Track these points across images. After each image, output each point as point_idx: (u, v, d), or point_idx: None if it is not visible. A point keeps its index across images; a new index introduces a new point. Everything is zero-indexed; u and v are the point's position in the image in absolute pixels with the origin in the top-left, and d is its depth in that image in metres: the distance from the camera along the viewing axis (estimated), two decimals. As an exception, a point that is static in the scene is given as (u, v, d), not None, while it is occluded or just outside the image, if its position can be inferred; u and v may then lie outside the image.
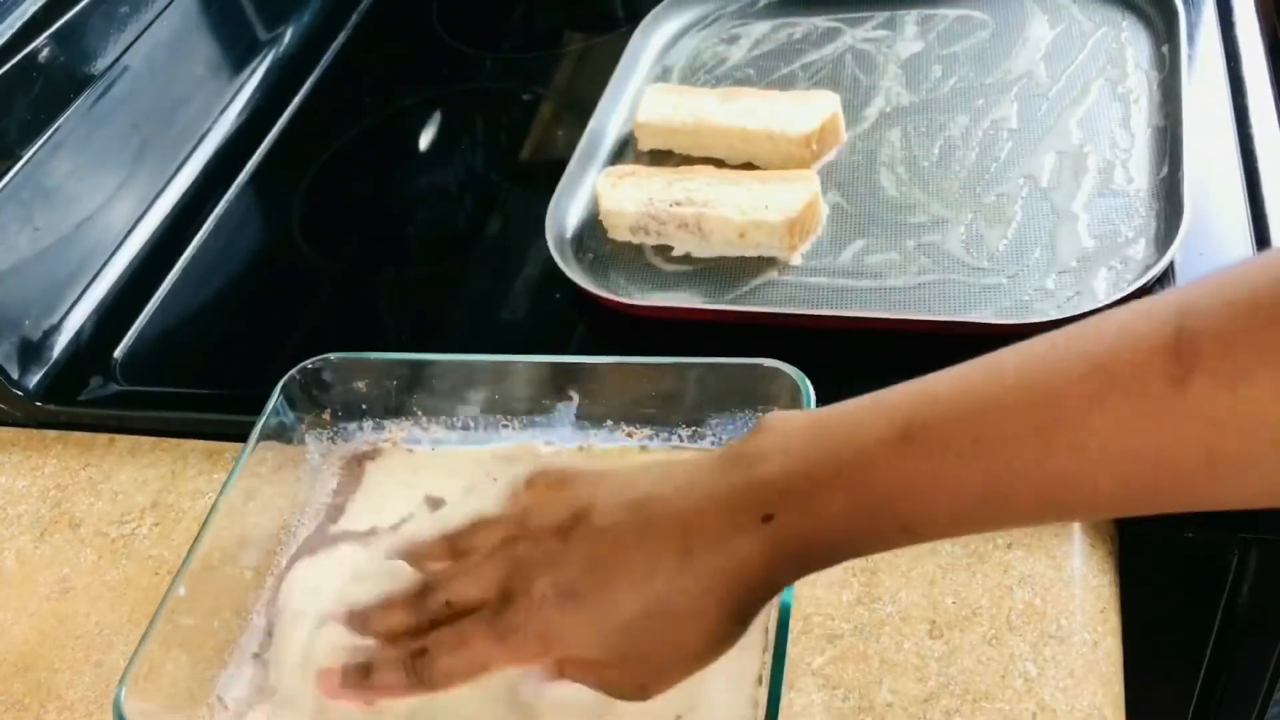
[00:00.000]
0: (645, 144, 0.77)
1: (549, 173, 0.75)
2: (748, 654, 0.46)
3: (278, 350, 0.71)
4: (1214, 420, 0.29)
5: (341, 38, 1.01)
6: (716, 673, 0.40)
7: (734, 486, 0.37)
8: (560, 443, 0.58)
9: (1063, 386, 0.31)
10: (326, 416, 0.60)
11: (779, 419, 0.38)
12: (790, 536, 0.36)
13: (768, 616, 0.47)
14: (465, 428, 0.60)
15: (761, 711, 0.41)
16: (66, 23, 0.75)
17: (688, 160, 0.75)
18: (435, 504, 0.57)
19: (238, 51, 0.93)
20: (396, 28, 1.03)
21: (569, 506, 0.40)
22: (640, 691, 0.39)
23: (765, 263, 0.67)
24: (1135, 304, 0.32)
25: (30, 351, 0.73)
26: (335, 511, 0.58)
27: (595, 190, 0.72)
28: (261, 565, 0.55)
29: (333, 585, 0.54)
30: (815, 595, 0.53)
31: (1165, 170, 0.66)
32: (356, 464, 0.60)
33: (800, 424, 0.37)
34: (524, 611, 0.39)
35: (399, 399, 0.60)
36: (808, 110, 0.73)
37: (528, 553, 0.40)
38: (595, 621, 0.38)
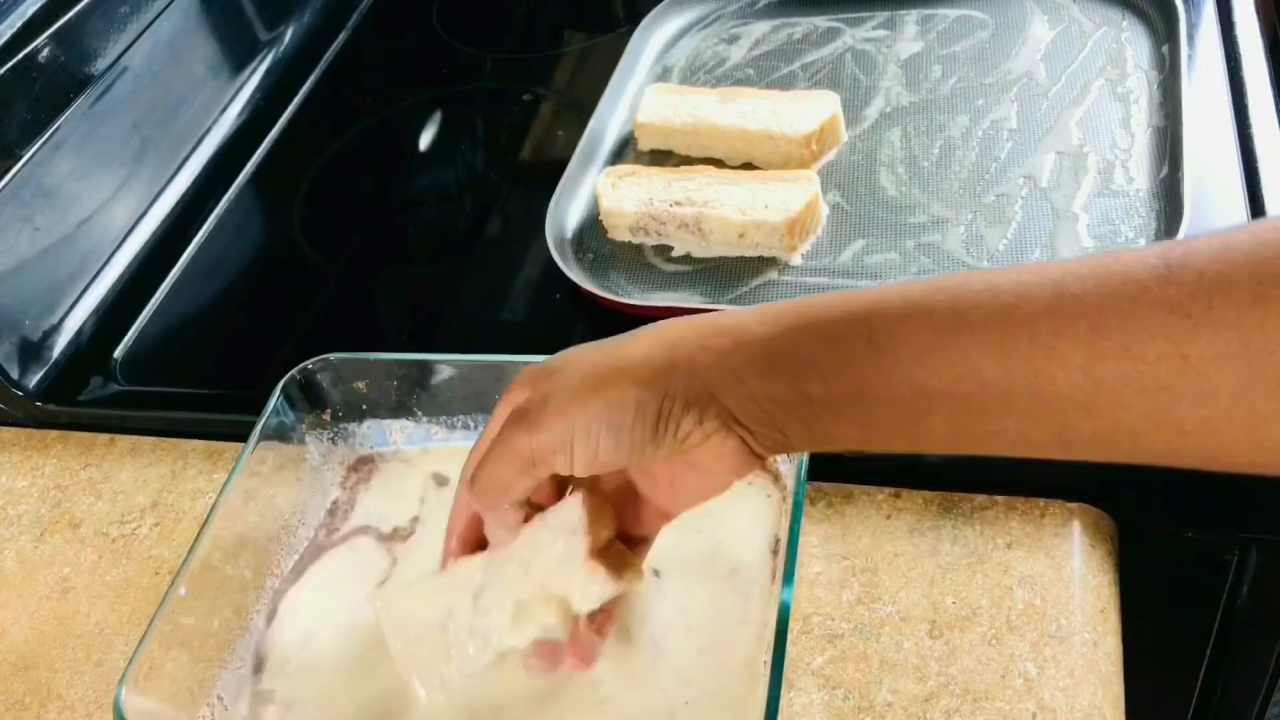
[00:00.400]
0: (645, 144, 0.77)
1: (549, 173, 0.75)
2: (748, 645, 0.47)
3: (278, 350, 0.71)
4: (1189, 312, 0.29)
5: (341, 38, 1.01)
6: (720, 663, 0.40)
7: (715, 325, 0.38)
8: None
9: (1071, 275, 0.32)
10: (327, 416, 0.60)
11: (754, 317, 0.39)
12: (754, 344, 0.36)
13: (768, 615, 0.47)
14: (465, 428, 0.60)
15: (761, 712, 0.41)
16: (66, 23, 0.75)
17: (688, 160, 0.75)
18: (440, 481, 0.58)
19: (238, 51, 0.93)
20: (396, 28, 1.03)
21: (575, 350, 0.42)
22: (533, 429, 0.39)
23: (765, 263, 0.67)
24: (1103, 257, 0.33)
25: (30, 351, 0.73)
26: (345, 507, 0.58)
27: (595, 190, 0.72)
28: (261, 565, 0.55)
29: (341, 586, 0.54)
30: (815, 595, 0.53)
31: (1165, 170, 0.66)
32: (362, 463, 0.60)
33: (777, 322, 0.38)
34: (512, 425, 0.40)
35: (399, 399, 0.60)
36: (808, 110, 0.73)
37: (515, 393, 0.41)
38: (569, 394, 0.38)
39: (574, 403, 0.38)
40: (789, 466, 0.53)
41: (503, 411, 0.41)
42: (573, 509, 0.42)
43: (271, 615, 0.54)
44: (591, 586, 0.42)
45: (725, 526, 0.52)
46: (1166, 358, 0.30)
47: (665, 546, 0.52)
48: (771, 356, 0.36)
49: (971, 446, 0.35)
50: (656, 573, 0.51)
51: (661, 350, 0.38)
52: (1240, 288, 0.29)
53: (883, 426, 0.36)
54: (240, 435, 0.57)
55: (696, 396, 0.36)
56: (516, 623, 0.43)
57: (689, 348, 0.37)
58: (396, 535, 0.56)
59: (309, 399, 0.59)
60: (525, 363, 0.57)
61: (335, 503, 0.58)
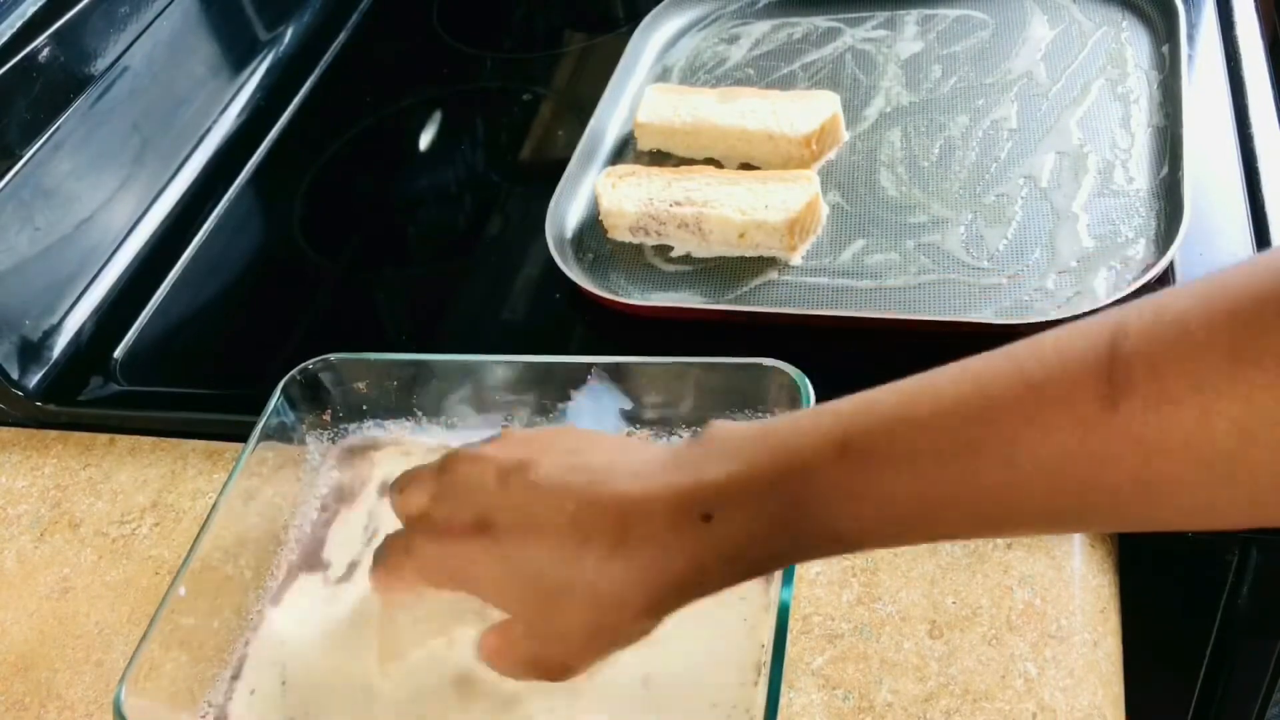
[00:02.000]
0: (645, 144, 0.77)
1: (549, 173, 0.75)
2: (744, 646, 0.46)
3: (278, 350, 0.71)
4: (1143, 441, 0.29)
5: (341, 38, 1.01)
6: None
7: (678, 486, 0.37)
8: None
9: (996, 403, 0.32)
10: (327, 416, 0.60)
11: (726, 427, 0.38)
12: (726, 538, 0.36)
13: (769, 615, 0.47)
14: (465, 428, 0.60)
15: (761, 712, 0.41)
16: (66, 23, 0.75)
17: (687, 160, 0.75)
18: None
19: (238, 51, 0.93)
20: (396, 28, 1.03)
21: (515, 453, 0.41)
22: (561, 670, 0.39)
23: (765, 263, 0.67)
24: (1074, 324, 0.32)
25: (30, 351, 0.73)
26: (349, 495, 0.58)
27: (595, 190, 0.72)
28: (261, 565, 0.55)
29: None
30: (815, 595, 0.53)
31: (1165, 170, 0.66)
32: (360, 456, 0.60)
33: (746, 432, 0.38)
34: (436, 537, 0.40)
35: (399, 399, 0.60)
36: (808, 110, 0.73)
37: (460, 479, 0.41)
38: (506, 567, 0.39)
39: (586, 655, 0.39)
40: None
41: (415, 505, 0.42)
42: None
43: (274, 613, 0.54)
44: None
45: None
46: (1125, 484, 0.30)
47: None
48: (727, 555, 0.36)
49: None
50: None
51: (638, 560, 0.37)
52: (1187, 407, 0.28)
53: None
54: (240, 435, 0.57)
55: (693, 589, 0.38)
56: None
57: (651, 550, 0.37)
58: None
59: (309, 399, 0.59)
60: (525, 363, 0.58)
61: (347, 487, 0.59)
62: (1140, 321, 0.30)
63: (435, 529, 0.41)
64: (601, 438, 0.42)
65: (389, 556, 0.43)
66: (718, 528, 0.36)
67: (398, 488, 0.44)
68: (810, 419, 0.36)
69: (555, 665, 0.39)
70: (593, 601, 0.37)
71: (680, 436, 0.57)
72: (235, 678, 0.51)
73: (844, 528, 0.35)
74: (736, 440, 0.37)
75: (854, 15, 0.85)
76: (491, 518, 0.39)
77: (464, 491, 0.41)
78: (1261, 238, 0.62)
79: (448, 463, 0.42)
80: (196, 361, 0.75)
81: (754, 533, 0.36)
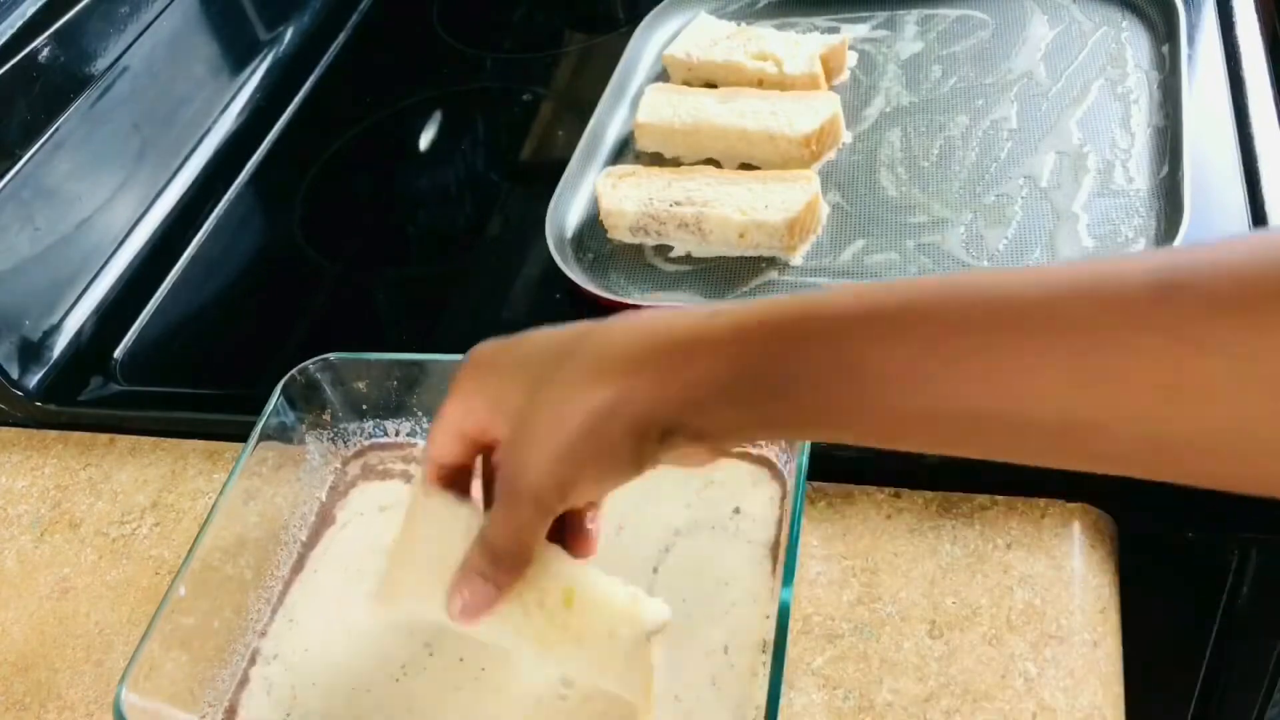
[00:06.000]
0: (645, 144, 0.77)
1: (549, 173, 0.75)
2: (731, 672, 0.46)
3: (278, 350, 0.71)
4: (1182, 336, 0.28)
5: (341, 38, 1.01)
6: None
7: (661, 328, 0.37)
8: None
9: (1057, 293, 0.31)
10: (327, 416, 0.60)
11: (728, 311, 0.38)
12: (707, 375, 0.35)
13: (768, 618, 0.47)
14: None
15: (762, 712, 0.41)
16: (66, 23, 0.75)
17: (688, 160, 0.75)
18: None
19: (238, 51, 0.93)
20: (396, 28, 1.03)
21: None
22: (522, 471, 0.39)
23: (765, 263, 0.67)
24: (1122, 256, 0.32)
25: (30, 351, 0.73)
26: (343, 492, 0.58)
27: (595, 190, 0.72)
28: (261, 565, 0.55)
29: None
30: (815, 595, 0.53)
31: (1165, 170, 0.66)
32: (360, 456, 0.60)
33: (753, 302, 0.37)
34: (464, 364, 0.43)
35: (399, 399, 0.60)
36: (808, 110, 0.73)
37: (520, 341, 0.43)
38: (517, 389, 0.40)
39: (555, 461, 0.38)
40: (789, 466, 0.53)
41: (459, 405, 0.43)
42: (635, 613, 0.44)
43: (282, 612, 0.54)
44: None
45: (726, 527, 0.52)
46: (1159, 383, 0.29)
47: (664, 546, 0.52)
48: (736, 382, 0.35)
49: (950, 452, 0.35)
50: (655, 570, 0.51)
51: (626, 382, 0.37)
52: (1238, 313, 0.27)
53: (853, 437, 0.36)
54: (240, 435, 0.57)
55: (668, 427, 0.37)
56: None
57: (652, 376, 0.36)
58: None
59: (309, 399, 0.59)
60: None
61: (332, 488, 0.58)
62: (1193, 250, 0.30)
63: (509, 490, 0.41)
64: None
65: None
66: (700, 361, 0.36)
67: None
68: (823, 295, 0.35)
69: (525, 483, 0.39)
70: (559, 418, 0.37)
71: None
72: (238, 679, 0.51)
73: (844, 403, 0.34)
74: (741, 304, 0.37)
75: (854, 15, 0.85)
76: (526, 359, 0.41)
77: (474, 383, 0.42)
78: (1261, 238, 0.62)
79: (458, 388, 0.43)
80: (196, 361, 0.75)
81: (739, 372, 0.35)
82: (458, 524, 0.43)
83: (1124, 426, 0.30)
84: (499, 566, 0.41)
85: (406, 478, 0.59)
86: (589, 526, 0.45)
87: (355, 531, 0.57)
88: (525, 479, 0.39)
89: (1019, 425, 0.31)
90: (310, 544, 0.57)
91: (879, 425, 0.34)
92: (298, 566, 0.56)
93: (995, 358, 0.31)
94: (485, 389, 0.41)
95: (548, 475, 0.38)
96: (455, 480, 0.44)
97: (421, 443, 0.60)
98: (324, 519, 0.58)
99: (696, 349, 0.36)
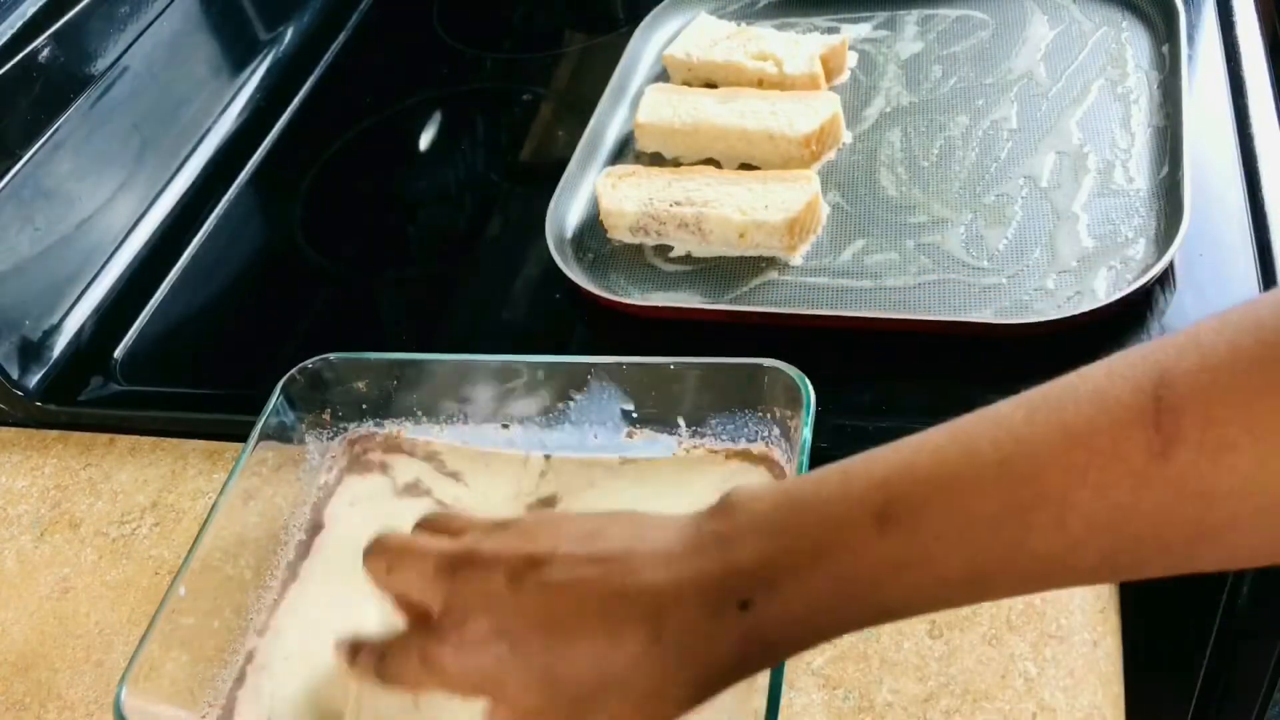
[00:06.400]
0: (645, 144, 0.77)
1: (549, 173, 0.75)
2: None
3: (278, 350, 0.71)
4: (1198, 493, 0.28)
5: (341, 38, 1.01)
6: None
7: (708, 570, 0.35)
8: (559, 444, 0.58)
9: (1041, 463, 0.30)
10: (327, 416, 0.60)
11: (747, 494, 0.36)
12: (765, 623, 0.34)
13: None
14: (465, 428, 0.60)
15: (762, 712, 0.41)
16: (66, 23, 0.75)
17: (688, 160, 0.75)
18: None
19: (238, 51, 0.93)
20: (396, 28, 1.03)
21: (524, 547, 0.38)
22: None
23: (765, 263, 0.67)
24: (1112, 363, 0.31)
25: (30, 351, 0.73)
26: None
27: (595, 190, 0.72)
28: (261, 565, 0.55)
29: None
30: (815, 595, 0.53)
31: (1165, 170, 0.66)
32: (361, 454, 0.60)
33: (771, 501, 0.36)
34: (453, 648, 0.37)
35: (399, 399, 0.60)
36: (808, 110, 0.73)
37: (470, 584, 0.38)
38: (533, 673, 0.36)
39: None
40: (790, 466, 0.53)
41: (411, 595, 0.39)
42: None
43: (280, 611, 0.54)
44: None
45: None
46: (1183, 537, 0.29)
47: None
48: (769, 640, 0.35)
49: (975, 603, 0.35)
50: None
51: (675, 653, 0.35)
52: (1241, 452, 0.27)
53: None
54: (240, 435, 0.57)
55: (720, 682, 0.36)
56: None
57: (688, 641, 0.35)
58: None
59: (309, 399, 0.59)
60: (525, 363, 0.58)
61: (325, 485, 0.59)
62: (1183, 363, 0.29)
63: (449, 638, 0.37)
64: (611, 518, 0.39)
65: (394, 659, 0.40)
66: (756, 614, 0.34)
67: (380, 559, 0.41)
68: (838, 483, 0.34)
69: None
70: (630, 700, 0.35)
71: (680, 437, 0.57)
72: (239, 681, 0.51)
73: (889, 601, 0.33)
74: (763, 513, 0.35)
75: (854, 15, 0.85)
76: (510, 625, 0.36)
77: (475, 599, 0.37)
78: (1261, 237, 0.62)
79: (452, 563, 0.39)
80: (196, 361, 0.75)
81: (793, 614, 0.34)
82: None
83: (1158, 567, 0.31)
84: None
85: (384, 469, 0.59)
86: None
87: (347, 533, 0.57)
88: None
89: (1063, 583, 0.33)
90: (307, 544, 0.57)
91: (898, 616, 0.35)
92: (294, 566, 0.56)
93: (1018, 560, 0.31)
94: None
95: None
96: None
97: (418, 441, 0.60)
98: (316, 520, 0.58)
99: (726, 619, 0.34)
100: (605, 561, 0.36)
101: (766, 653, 0.35)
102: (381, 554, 0.41)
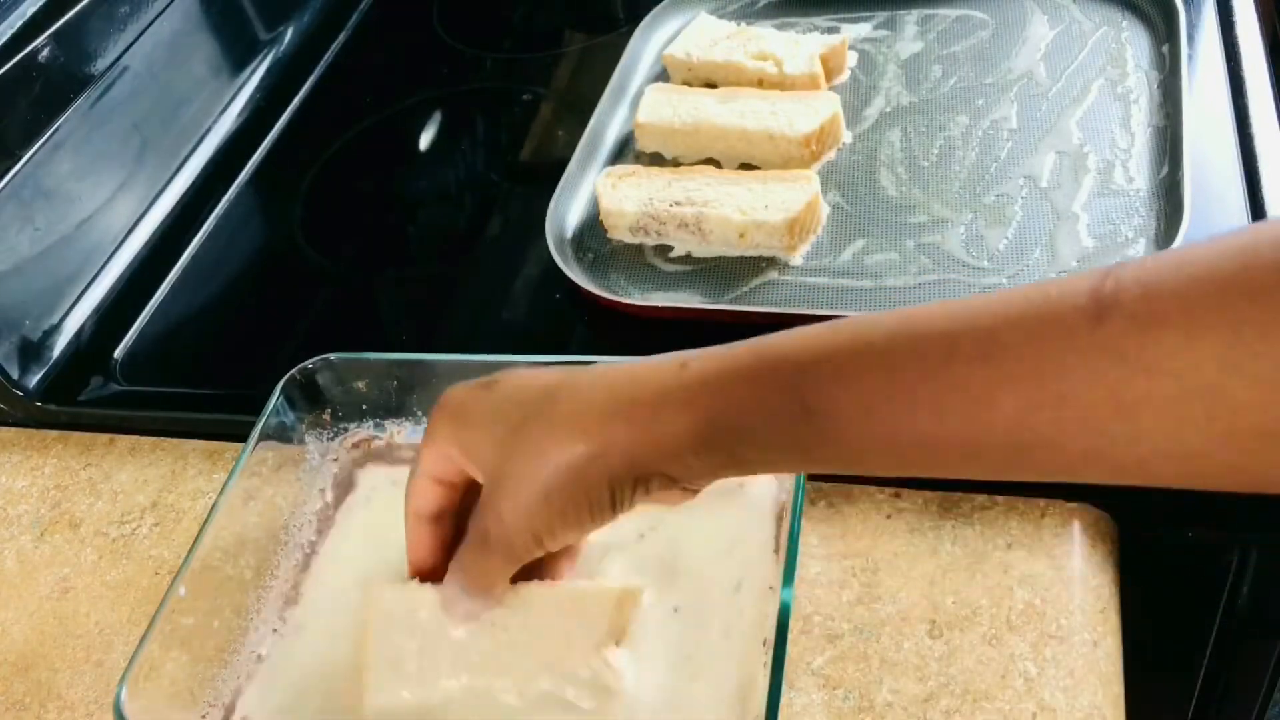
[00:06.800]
0: (645, 144, 0.77)
1: (549, 173, 0.75)
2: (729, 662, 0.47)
3: (278, 350, 0.71)
4: (1125, 357, 0.29)
5: (341, 38, 1.01)
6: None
7: (657, 368, 0.39)
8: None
9: (993, 325, 0.32)
10: (327, 416, 0.60)
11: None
12: (694, 419, 0.37)
13: (767, 620, 0.47)
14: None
15: (761, 712, 0.41)
16: (66, 23, 0.75)
17: (688, 160, 0.75)
18: None
19: (238, 51, 0.93)
20: (396, 28, 1.03)
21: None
22: (496, 520, 0.40)
23: (765, 263, 0.67)
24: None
25: (30, 351, 0.73)
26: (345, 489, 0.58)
27: (595, 190, 0.72)
28: (261, 565, 0.55)
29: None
30: (815, 595, 0.53)
31: (1165, 170, 0.66)
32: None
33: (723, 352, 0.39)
34: (437, 410, 0.43)
35: (399, 399, 0.60)
36: (808, 110, 0.73)
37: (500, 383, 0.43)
38: (493, 439, 0.40)
39: (529, 512, 0.39)
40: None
41: (434, 454, 0.43)
42: (597, 602, 0.45)
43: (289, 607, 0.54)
44: (605, 677, 0.45)
45: (726, 526, 0.52)
46: (1102, 404, 0.30)
47: (662, 548, 0.52)
48: (701, 432, 0.37)
49: (912, 474, 0.37)
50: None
51: (601, 435, 0.38)
52: (1171, 328, 0.28)
53: (818, 468, 0.38)
54: (240, 435, 0.57)
55: (640, 477, 0.38)
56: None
57: (625, 429, 0.38)
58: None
59: (309, 399, 0.59)
60: (524, 363, 0.57)
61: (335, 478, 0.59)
62: (1137, 257, 0.31)
63: (460, 395, 0.42)
64: None
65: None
66: (688, 409, 0.37)
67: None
68: (804, 331, 0.37)
69: (499, 532, 0.40)
70: (540, 464, 0.38)
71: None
72: (238, 679, 0.51)
73: (819, 402, 0.35)
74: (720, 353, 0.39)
75: (854, 15, 0.85)
76: (477, 383, 0.42)
77: (494, 386, 0.42)
78: (1261, 238, 0.62)
79: (431, 433, 0.43)
80: (196, 361, 0.75)
81: (726, 412, 0.36)
82: (420, 611, 0.45)
83: (1074, 443, 0.31)
84: (470, 602, 0.44)
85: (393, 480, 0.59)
86: (565, 567, 0.46)
87: (352, 533, 0.57)
88: (499, 528, 0.40)
89: (973, 449, 0.33)
90: (309, 545, 0.57)
91: (839, 457, 0.36)
92: (300, 567, 0.56)
93: (944, 389, 0.33)
94: (458, 436, 0.42)
95: (523, 525, 0.40)
96: (438, 523, 0.45)
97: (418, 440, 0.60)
98: (322, 520, 0.58)
99: (666, 403, 0.38)
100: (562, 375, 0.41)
101: (691, 451, 0.37)
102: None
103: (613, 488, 0.38)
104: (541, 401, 0.40)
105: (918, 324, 0.34)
